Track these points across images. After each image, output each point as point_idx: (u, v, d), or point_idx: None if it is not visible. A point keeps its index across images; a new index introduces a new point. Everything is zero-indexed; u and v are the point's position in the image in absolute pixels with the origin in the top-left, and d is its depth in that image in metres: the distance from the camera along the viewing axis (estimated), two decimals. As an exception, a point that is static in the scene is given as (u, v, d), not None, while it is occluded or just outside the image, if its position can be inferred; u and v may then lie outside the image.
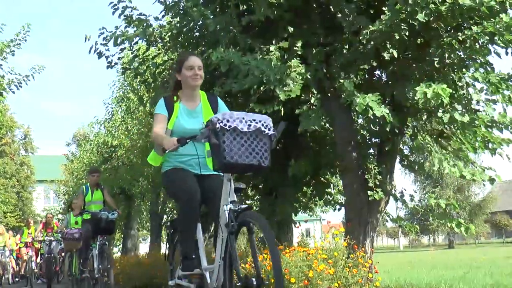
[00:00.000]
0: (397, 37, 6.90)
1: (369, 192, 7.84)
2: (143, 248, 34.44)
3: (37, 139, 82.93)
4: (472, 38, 6.97)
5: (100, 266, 8.98)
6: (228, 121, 3.67)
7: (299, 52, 7.41)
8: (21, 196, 44.28)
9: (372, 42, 7.10)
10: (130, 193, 21.13)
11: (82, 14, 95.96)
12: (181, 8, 8.48)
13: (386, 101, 7.61)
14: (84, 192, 10.28)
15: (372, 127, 7.96)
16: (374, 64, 7.96)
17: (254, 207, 14.40)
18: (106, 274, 8.90)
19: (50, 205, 44.58)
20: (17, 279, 19.04)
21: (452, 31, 7.36)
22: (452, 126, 7.97)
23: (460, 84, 7.73)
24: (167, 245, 4.97)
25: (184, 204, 4.27)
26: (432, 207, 9.19)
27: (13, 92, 14.39)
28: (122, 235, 26.78)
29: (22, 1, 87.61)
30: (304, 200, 10.93)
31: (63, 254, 14.31)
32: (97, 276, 8.98)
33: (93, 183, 10.27)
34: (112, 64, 9.21)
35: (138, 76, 9.65)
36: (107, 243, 9.28)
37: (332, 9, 7.73)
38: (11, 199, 36.48)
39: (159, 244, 21.32)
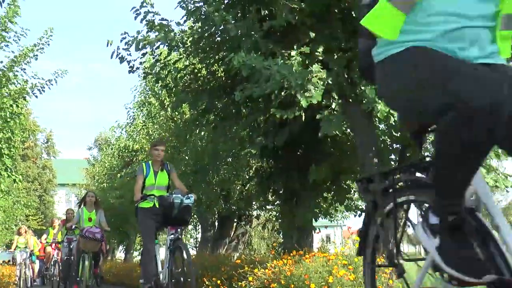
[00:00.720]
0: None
1: (391, 198, 7.78)
2: (162, 252, 34.48)
3: (59, 143, 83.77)
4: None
5: (174, 270, 6.51)
6: None
7: (321, 58, 7.39)
8: (43, 200, 44.59)
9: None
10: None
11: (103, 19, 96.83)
12: (202, 13, 8.52)
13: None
14: (144, 172, 7.26)
15: (394, 133, 7.91)
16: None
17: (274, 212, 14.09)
18: (183, 279, 6.25)
19: (72, 208, 44.76)
20: (35, 283, 19.03)
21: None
22: (474, 132, 7.90)
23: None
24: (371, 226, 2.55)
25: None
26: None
27: (36, 97, 14.50)
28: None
29: (45, 7, 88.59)
30: (324, 205, 10.89)
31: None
32: (164, 283, 6.63)
33: (157, 161, 7.32)
34: (134, 69, 9.26)
35: (160, 81, 9.66)
36: (180, 237, 6.84)
37: (353, 14, 7.70)
38: (33, 203, 36.62)
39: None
